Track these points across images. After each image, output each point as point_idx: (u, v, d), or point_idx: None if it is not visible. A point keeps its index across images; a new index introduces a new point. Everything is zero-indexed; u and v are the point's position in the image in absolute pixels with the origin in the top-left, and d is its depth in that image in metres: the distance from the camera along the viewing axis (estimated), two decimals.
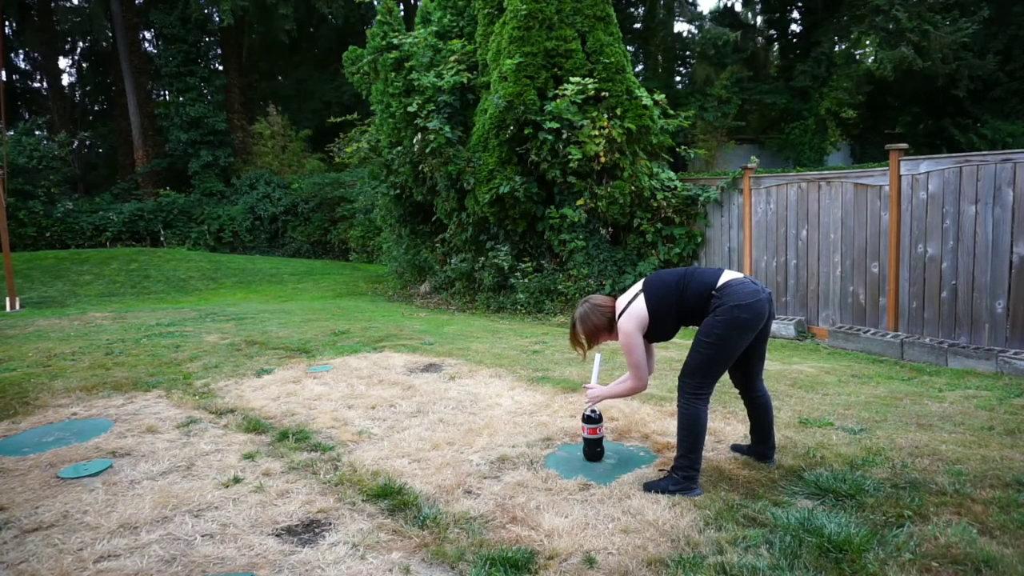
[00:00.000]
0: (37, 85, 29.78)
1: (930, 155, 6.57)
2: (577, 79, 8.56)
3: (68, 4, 27.67)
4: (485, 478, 2.99)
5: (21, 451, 3.46)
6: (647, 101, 9.14)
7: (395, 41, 10.38)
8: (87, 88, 30.70)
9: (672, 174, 9.17)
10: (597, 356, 3.38)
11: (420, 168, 10.20)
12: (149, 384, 4.80)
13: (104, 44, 26.90)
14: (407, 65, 10.15)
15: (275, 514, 2.67)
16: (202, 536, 2.50)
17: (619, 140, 8.66)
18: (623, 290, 7.85)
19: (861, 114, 19.02)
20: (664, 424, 3.65)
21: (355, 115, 13.03)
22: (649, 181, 8.89)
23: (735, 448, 3.25)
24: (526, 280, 9.37)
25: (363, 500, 2.78)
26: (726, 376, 2.97)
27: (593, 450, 3.17)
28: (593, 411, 3.16)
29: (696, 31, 23.91)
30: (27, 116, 26.59)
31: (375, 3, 17.81)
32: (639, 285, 2.96)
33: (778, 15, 21.86)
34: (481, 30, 9.93)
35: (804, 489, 2.76)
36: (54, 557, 2.37)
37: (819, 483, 2.77)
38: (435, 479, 2.97)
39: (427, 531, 2.50)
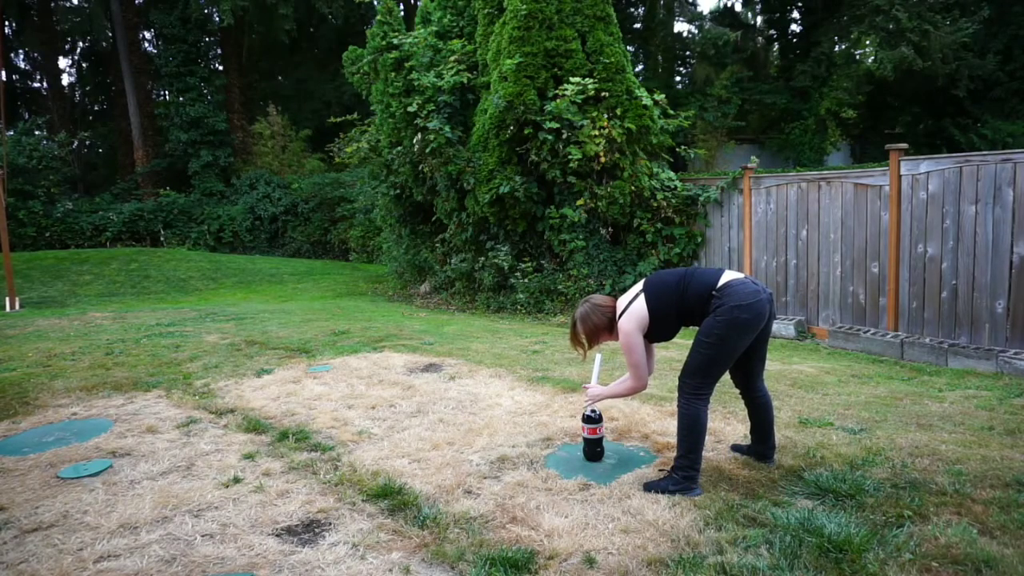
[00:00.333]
0: (37, 85, 29.79)
1: (930, 155, 6.57)
2: (577, 79, 8.56)
3: (68, 4, 27.66)
4: (485, 478, 2.99)
5: (21, 451, 3.46)
6: (647, 101, 9.14)
7: (395, 41, 10.38)
8: (87, 88, 30.70)
9: (672, 174, 9.17)
10: (597, 356, 3.38)
11: (420, 168, 10.20)
12: (149, 384, 4.80)
13: (104, 44, 26.90)
14: (407, 65, 10.15)
15: (275, 514, 2.67)
16: (202, 536, 2.50)
17: (619, 140, 8.66)
18: (623, 290, 7.87)
19: (861, 114, 19.02)
20: (664, 424, 3.65)
21: (355, 115, 13.02)
22: (649, 181, 8.89)
23: (735, 448, 3.25)
24: (526, 280, 9.37)
25: (363, 500, 2.78)
26: (726, 376, 2.97)
27: (593, 450, 3.17)
28: (593, 411, 3.16)
29: (696, 31, 23.93)
30: (27, 116, 26.59)
31: (375, 3, 17.82)
32: (639, 285, 2.96)
33: (778, 15, 21.85)
34: (481, 30, 9.93)
35: (804, 489, 2.76)
36: (54, 557, 2.36)
37: (819, 483, 2.77)
38: (435, 479, 2.97)
39: (427, 531, 2.50)
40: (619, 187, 8.71)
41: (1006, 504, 2.59)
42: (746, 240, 8.13)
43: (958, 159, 6.20)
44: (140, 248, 17.68)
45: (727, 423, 3.70)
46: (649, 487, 2.81)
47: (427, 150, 9.48)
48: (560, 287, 9.12)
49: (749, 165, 8.20)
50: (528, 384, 4.65)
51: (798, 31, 21.62)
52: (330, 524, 2.59)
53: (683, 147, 11.04)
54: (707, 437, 3.09)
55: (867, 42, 18.17)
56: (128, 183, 22.22)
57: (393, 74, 10.37)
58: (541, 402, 4.20)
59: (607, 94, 8.83)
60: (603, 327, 2.97)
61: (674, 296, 2.85)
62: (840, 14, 18.06)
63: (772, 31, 23.13)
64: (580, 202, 8.83)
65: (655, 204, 8.83)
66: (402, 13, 12.80)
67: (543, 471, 3.05)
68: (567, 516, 2.59)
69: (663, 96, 9.81)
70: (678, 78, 25.06)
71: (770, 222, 7.88)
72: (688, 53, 24.43)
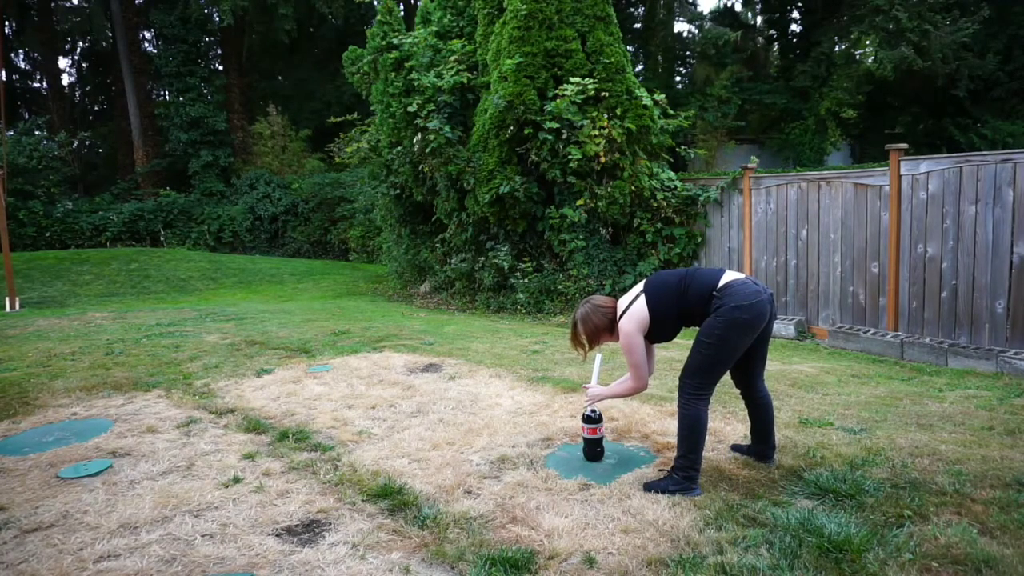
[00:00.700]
0: (37, 85, 29.78)
1: (930, 155, 6.57)
2: (577, 79, 8.56)
3: (68, 4, 27.68)
4: (485, 478, 2.99)
5: (21, 451, 3.46)
6: (647, 101, 9.14)
7: (395, 41, 10.38)
8: (87, 88, 30.71)
9: (672, 174, 9.17)
10: (597, 356, 3.38)
11: (420, 168, 10.20)
12: (149, 384, 4.80)
13: (104, 44, 26.91)
14: (407, 65, 10.15)
15: (275, 514, 2.67)
16: (202, 536, 2.50)
17: (619, 140, 8.66)
18: (623, 290, 7.87)
19: (861, 114, 19.00)
20: (664, 424, 3.65)
21: (355, 115, 13.02)
22: (649, 181, 8.89)
23: (735, 448, 3.25)
24: (526, 280, 9.37)
25: (363, 500, 2.78)
26: (726, 376, 2.97)
27: (593, 450, 3.17)
28: (593, 411, 3.16)
29: (696, 31, 23.91)
30: (27, 116, 26.58)
31: (375, 3, 17.83)
32: (640, 286, 2.96)
33: (778, 15, 21.85)
34: (481, 30, 9.93)
35: (804, 489, 2.76)
36: (54, 557, 2.36)
37: (819, 483, 2.77)
38: (435, 479, 2.97)
39: (427, 531, 2.50)
40: (619, 187, 8.71)
41: (1006, 504, 2.59)
42: (746, 240, 8.13)
43: (958, 159, 6.20)
44: (140, 248, 17.68)
45: (727, 423, 3.70)
46: (649, 487, 2.81)
47: (427, 150, 9.48)
48: (560, 287, 9.12)
49: (749, 165, 8.20)
50: (528, 384, 4.65)
51: (798, 31, 21.62)
52: (330, 524, 2.59)
53: (683, 147, 11.05)
54: (707, 437, 3.09)
55: (867, 42, 18.16)
56: (128, 183, 22.22)
57: (393, 74, 10.37)
58: (541, 402, 4.20)
59: (607, 94, 8.83)
60: (604, 328, 2.97)
61: (675, 297, 2.85)
62: (840, 14, 18.06)
63: (772, 31, 23.12)
64: (580, 202, 8.83)
65: (655, 204, 8.83)
66: (402, 13, 12.80)
67: (543, 471, 3.05)
68: (567, 516, 2.59)
69: (663, 96, 9.81)
70: (678, 78, 25.06)
71: (770, 222, 7.88)
72: (688, 53, 24.44)
